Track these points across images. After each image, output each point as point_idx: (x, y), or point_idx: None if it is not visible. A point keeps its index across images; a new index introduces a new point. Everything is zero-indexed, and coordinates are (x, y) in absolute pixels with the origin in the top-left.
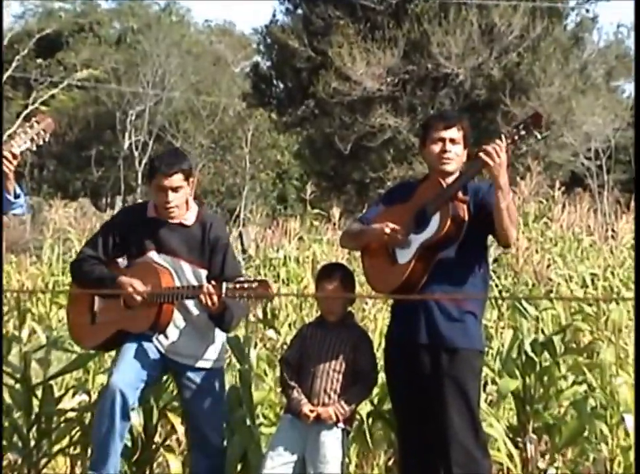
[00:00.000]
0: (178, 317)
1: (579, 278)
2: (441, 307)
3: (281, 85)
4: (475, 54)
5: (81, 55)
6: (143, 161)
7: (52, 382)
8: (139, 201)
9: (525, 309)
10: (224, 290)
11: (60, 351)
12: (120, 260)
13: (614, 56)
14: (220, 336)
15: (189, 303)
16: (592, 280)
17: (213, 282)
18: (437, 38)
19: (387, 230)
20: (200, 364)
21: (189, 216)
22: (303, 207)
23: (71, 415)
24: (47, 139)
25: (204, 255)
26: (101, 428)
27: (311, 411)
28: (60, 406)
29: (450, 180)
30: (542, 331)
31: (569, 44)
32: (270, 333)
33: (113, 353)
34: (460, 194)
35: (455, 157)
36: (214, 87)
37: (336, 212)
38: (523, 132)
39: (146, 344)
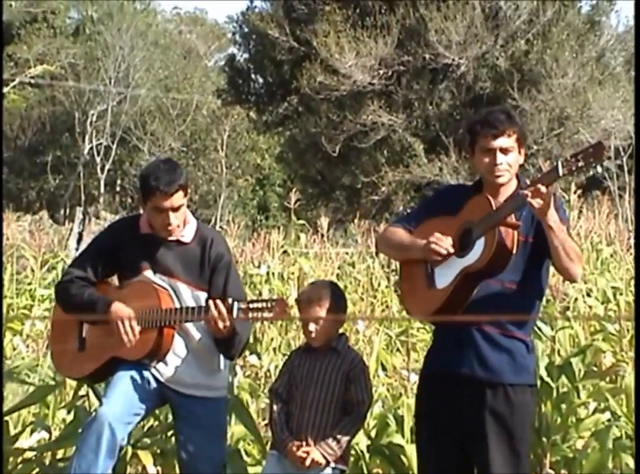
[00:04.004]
0: (178, 343)
1: (599, 292)
2: (485, 335)
3: (260, 80)
4: (478, 42)
5: (35, 49)
6: (106, 167)
7: (7, 418)
8: (114, 216)
9: (539, 328)
10: (235, 311)
11: (15, 383)
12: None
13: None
14: (224, 362)
15: (191, 327)
16: (614, 295)
17: (228, 301)
18: (435, 24)
19: (432, 246)
20: (203, 393)
21: (187, 233)
22: (287, 216)
23: (29, 454)
24: None
25: (203, 276)
26: (81, 464)
27: (302, 452)
28: (16, 445)
29: (506, 190)
30: (559, 353)
31: (584, 29)
32: (253, 359)
33: (74, 383)
34: (512, 218)
35: (508, 167)
36: (185, 83)
37: (324, 222)
38: (582, 163)
39: (142, 372)
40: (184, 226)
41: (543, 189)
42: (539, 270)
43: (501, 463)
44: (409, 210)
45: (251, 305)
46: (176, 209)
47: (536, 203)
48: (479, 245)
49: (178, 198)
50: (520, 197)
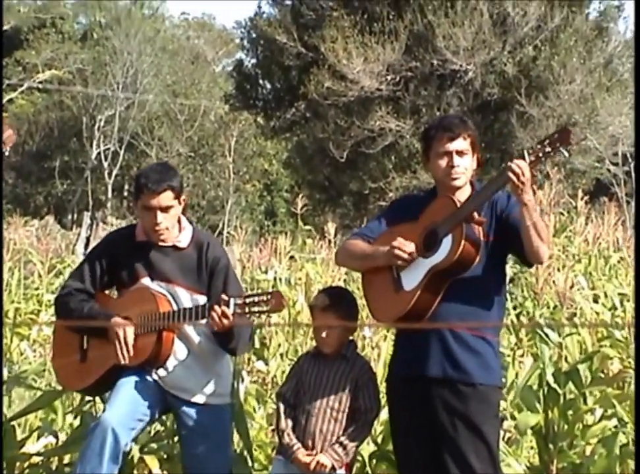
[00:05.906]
0: (179, 348)
1: (607, 299)
2: (455, 335)
3: (268, 86)
4: (486, 49)
5: (43, 54)
6: (113, 173)
7: (14, 422)
8: (115, 222)
9: (546, 334)
10: (231, 306)
11: (22, 387)
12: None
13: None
14: (227, 368)
15: (191, 332)
16: (622, 301)
17: (224, 297)
18: (443, 30)
19: (396, 251)
20: (205, 399)
21: (182, 238)
22: (294, 222)
23: (36, 459)
24: (7, 153)
25: (201, 280)
26: (85, 470)
27: (308, 459)
28: (23, 450)
29: (461, 194)
30: (566, 359)
31: (591, 35)
32: (260, 365)
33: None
34: (476, 214)
35: (464, 170)
36: (193, 89)
37: (331, 227)
38: (548, 149)
39: (145, 378)
40: (179, 232)
41: (523, 163)
42: (502, 269)
43: (479, 463)
44: (366, 224)
45: (247, 300)
46: (164, 209)
47: (515, 177)
48: (446, 243)
49: (166, 198)
50: (499, 178)
